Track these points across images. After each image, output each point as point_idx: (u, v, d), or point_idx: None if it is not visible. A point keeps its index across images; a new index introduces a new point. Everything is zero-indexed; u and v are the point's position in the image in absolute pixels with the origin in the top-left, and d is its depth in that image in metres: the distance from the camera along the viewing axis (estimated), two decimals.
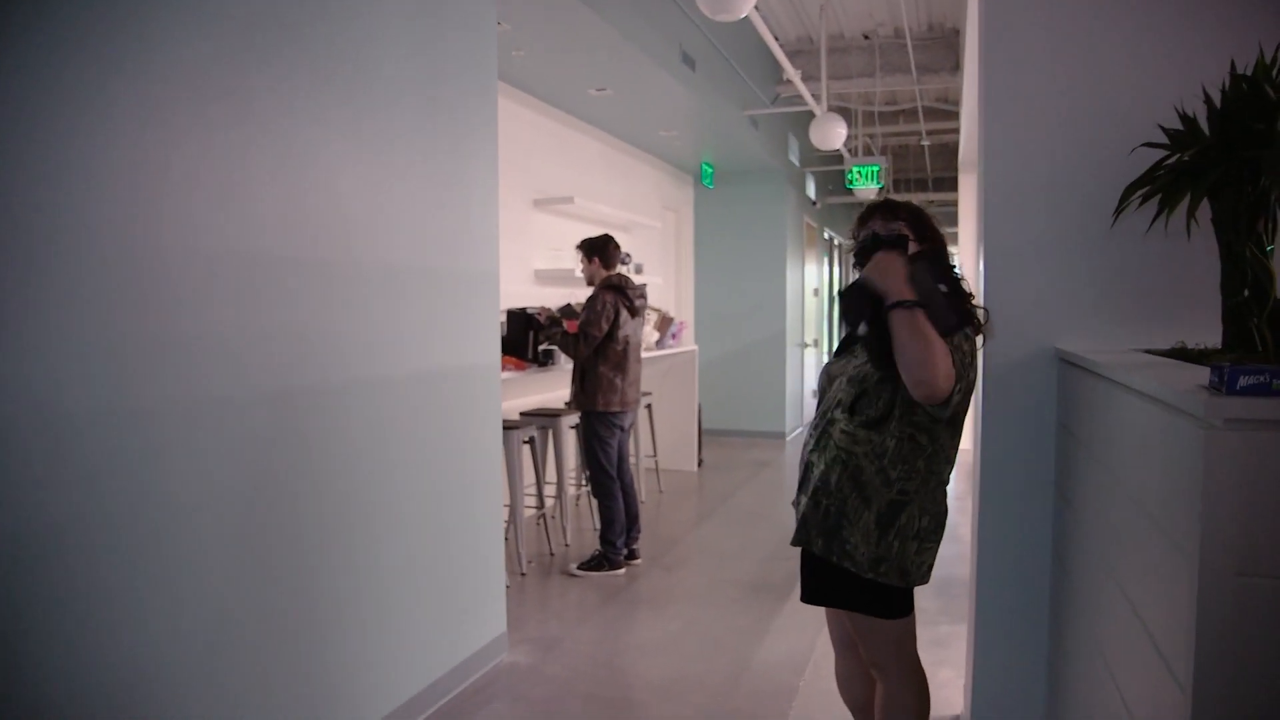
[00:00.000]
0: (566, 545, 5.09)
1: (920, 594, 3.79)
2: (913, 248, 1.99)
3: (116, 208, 1.86)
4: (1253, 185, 1.76)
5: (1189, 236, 1.88)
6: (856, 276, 1.90)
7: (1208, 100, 1.84)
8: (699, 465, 7.51)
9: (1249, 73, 1.77)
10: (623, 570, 4.57)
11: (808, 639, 3.61)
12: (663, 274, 8.30)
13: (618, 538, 4.56)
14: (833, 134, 6.35)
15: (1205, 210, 1.84)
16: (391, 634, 2.78)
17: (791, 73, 5.91)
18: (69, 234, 1.77)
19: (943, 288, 1.82)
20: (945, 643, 3.55)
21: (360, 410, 2.64)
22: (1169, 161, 1.92)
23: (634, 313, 4.55)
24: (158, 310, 1.96)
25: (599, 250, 4.61)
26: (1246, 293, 1.80)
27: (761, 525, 5.66)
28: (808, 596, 2.16)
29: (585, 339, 4.42)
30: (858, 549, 2.00)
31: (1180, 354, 1.94)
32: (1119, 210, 1.98)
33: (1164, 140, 1.91)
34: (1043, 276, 2.25)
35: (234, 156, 2.16)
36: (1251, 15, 2.06)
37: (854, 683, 2.28)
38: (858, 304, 1.78)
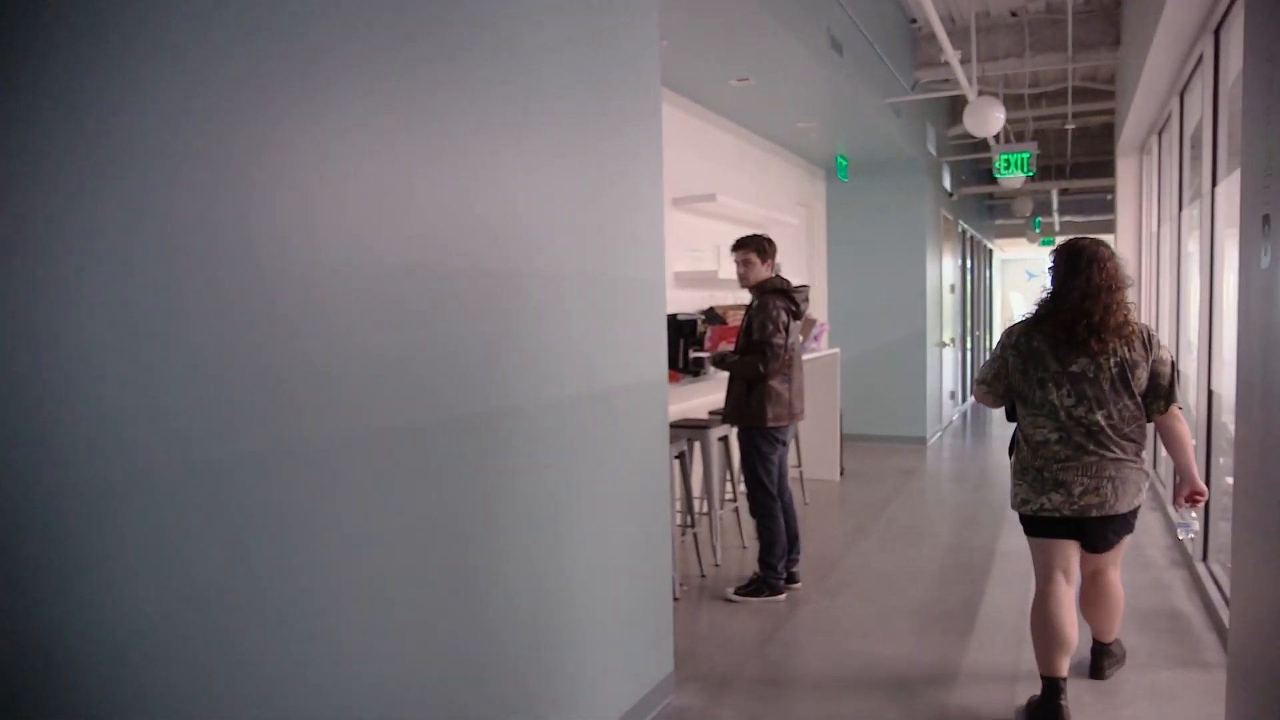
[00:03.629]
0: (717, 565, 4.80)
1: (1128, 632, 3.37)
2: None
3: (278, 220, 1.66)
4: None
5: None
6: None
7: None
8: (841, 474, 7.11)
9: None
10: (783, 596, 4.23)
11: (1004, 680, 3.21)
12: (796, 273, 7.92)
13: (778, 561, 4.22)
14: (990, 119, 5.87)
15: None
16: (562, 682, 2.54)
17: (950, 55, 5.46)
18: (221, 252, 1.58)
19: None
20: (1169, 692, 3.09)
21: (529, 434, 2.40)
22: None
23: (797, 316, 4.20)
24: (318, 334, 1.75)
25: (769, 251, 4.24)
26: None
27: (922, 543, 5.24)
28: None
29: (771, 351, 4.03)
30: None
31: None
32: None
33: None
34: None
35: (399, 162, 1.94)
36: None
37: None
38: None
